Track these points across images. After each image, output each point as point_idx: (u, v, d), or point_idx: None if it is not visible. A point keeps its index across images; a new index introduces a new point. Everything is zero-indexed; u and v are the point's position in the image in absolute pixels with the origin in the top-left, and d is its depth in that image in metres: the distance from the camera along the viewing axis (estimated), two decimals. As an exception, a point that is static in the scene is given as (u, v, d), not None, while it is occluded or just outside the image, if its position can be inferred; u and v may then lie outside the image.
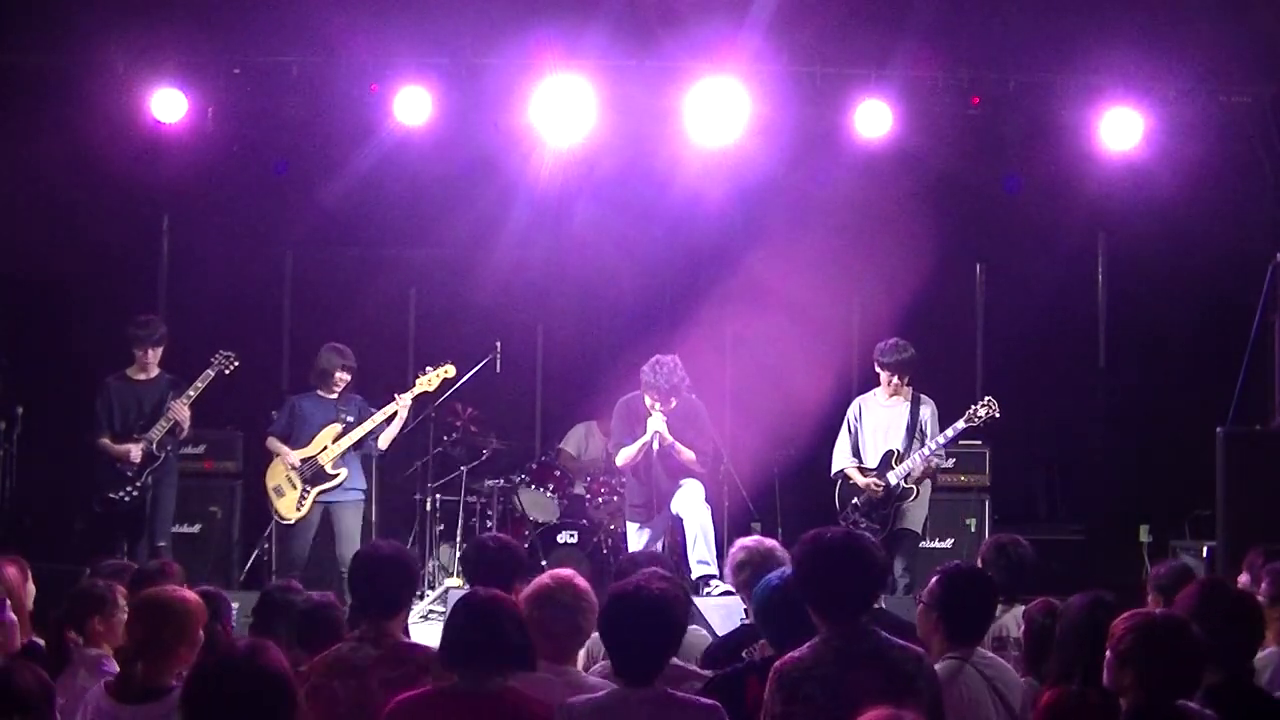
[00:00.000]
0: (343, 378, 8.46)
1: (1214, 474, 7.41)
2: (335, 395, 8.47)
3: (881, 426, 8.30)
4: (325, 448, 8.35)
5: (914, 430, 8.19)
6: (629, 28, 8.88)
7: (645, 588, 3.97)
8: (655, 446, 7.98)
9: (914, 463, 8.11)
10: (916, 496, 8.16)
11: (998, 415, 8.04)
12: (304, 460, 8.35)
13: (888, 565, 5.23)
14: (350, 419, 8.40)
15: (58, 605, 5.38)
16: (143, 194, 9.83)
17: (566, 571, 4.41)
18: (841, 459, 8.37)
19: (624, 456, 8.18)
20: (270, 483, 8.45)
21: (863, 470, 8.27)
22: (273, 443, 8.48)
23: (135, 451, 8.23)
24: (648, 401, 8.00)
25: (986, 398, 8.07)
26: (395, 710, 3.84)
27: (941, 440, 8.10)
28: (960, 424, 8.08)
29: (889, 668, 3.77)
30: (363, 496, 8.57)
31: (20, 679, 3.45)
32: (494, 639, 3.85)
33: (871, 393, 8.47)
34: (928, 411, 8.25)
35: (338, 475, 8.35)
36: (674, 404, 7.97)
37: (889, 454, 8.20)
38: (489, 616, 3.89)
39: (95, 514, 8.40)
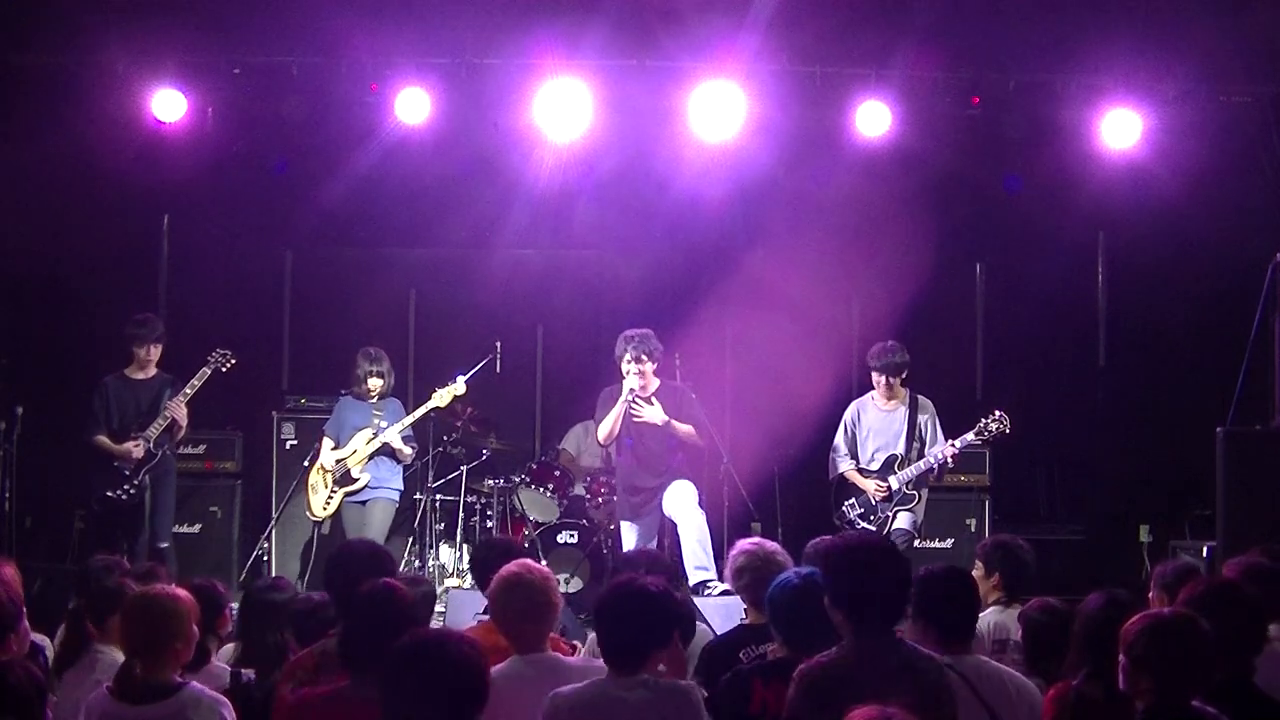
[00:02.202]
0: (373, 384, 8.74)
1: (1214, 474, 7.40)
2: (374, 399, 8.72)
3: (880, 430, 8.33)
4: (355, 451, 8.64)
5: (913, 433, 8.21)
6: (629, 28, 8.88)
7: (637, 580, 4.13)
8: (627, 400, 8.07)
9: (918, 469, 8.12)
10: (918, 501, 8.18)
11: (1008, 431, 8.05)
12: (338, 462, 8.66)
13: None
14: (384, 425, 8.65)
15: (57, 605, 5.39)
16: (143, 194, 9.82)
17: (517, 564, 4.44)
18: (841, 461, 8.40)
19: (604, 427, 8.26)
20: (310, 479, 8.82)
21: (864, 473, 8.29)
22: (324, 441, 8.83)
23: (135, 450, 8.26)
24: (624, 368, 8.10)
25: (998, 412, 8.06)
26: (297, 705, 3.93)
27: (949, 450, 8.10)
28: (969, 435, 8.10)
29: (920, 679, 3.71)
30: (394, 495, 8.81)
31: (13, 678, 3.45)
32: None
33: (869, 395, 8.50)
34: (926, 413, 8.27)
35: (361, 479, 8.62)
36: (650, 366, 8.08)
37: (891, 458, 8.22)
38: (390, 614, 3.99)
39: (95, 513, 8.43)
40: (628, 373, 8.13)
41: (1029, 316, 10.46)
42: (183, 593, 4.25)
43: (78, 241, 9.64)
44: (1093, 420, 10.55)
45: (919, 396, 8.34)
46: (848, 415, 8.49)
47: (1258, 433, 7.80)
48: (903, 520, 8.17)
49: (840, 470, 8.40)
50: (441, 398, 8.74)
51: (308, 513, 8.82)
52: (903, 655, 3.76)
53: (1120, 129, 9.11)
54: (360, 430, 8.69)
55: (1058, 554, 9.30)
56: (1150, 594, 5.21)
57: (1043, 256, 10.24)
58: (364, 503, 8.68)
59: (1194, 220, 9.34)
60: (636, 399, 8.16)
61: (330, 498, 8.66)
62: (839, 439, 8.46)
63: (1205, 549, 7.83)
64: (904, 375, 8.34)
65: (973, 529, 9.42)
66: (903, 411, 8.28)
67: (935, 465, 8.17)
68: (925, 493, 8.30)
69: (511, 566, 4.40)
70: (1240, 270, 8.84)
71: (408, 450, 8.78)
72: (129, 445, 8.29)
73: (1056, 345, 10.67)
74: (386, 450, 8.69)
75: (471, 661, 3.33)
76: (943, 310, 10.54)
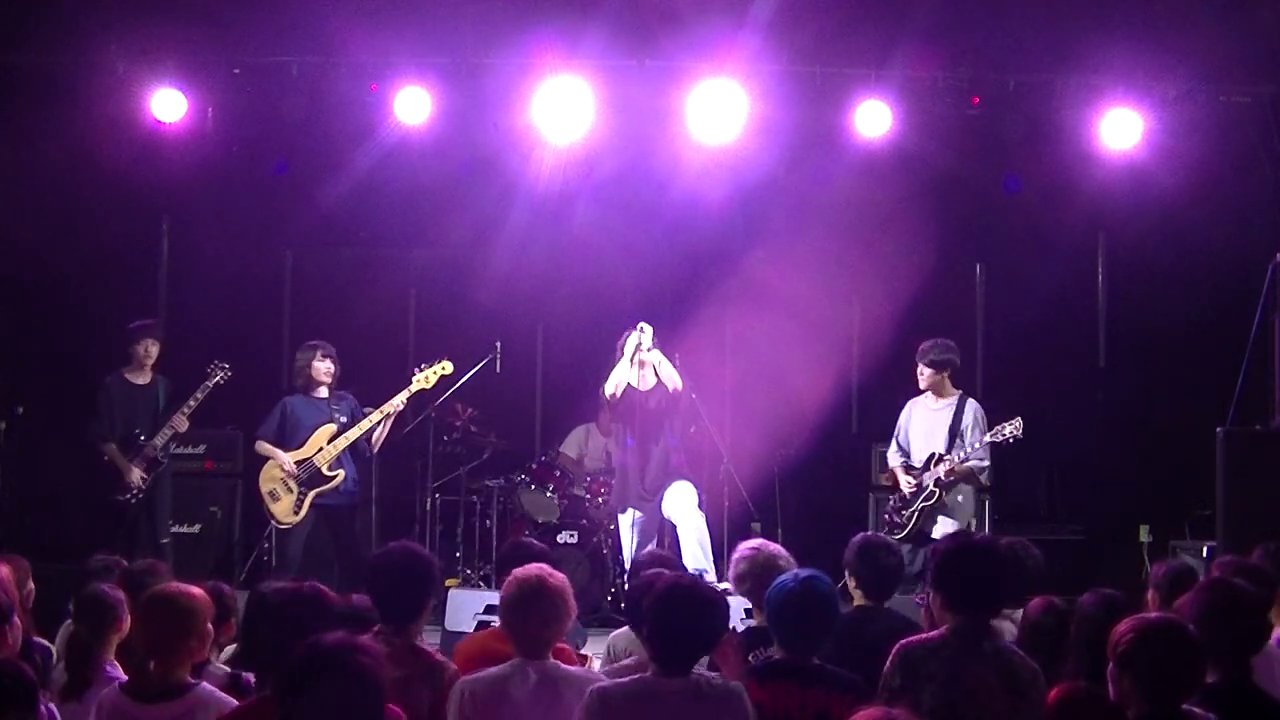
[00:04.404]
0: (323, 368, 8.36)
1: (1214, 474, 7.40)
2: (325, 395, 8.42)
3: (926, 429, 8.28)
4: (321, 449, 8.24)
5: (955, 432, 8.13)
6: (629, 28, 8.87)
7: (698, 583, 4.15)
8: (638, 351, 8.18)
9: (944, 467, 8.08)
10: (936, 499, 8.09)
11: (1021, 438, 8.01)
12: (299, 463, 8.25)
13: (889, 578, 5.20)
14: (344, 419, 8.33)
15: (59, 606, 5.38)
16: (143, 194, 9.83)
17: (535, 568, 4.38)
18: (890, 458, 8.42)
19: (611, 381, 8.25)
20: (264, 486, 8.31)
21: (909, 469, 8.26)
22: (264, 446, 8.32)
23: (136, 476, 8.39)
24: (630, 339, 8.23)
25: (1016, 419, 7.98)
26: None
27: (969, 450, 8.04)
28: (986, 438, 8.05)
29: (1009, 669, 3.91)
30: (358, 497, 8.57)
31: (5, 678, 3.44)
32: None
33: (924, 395, 8.43)
34: (970, 415, 8.18)
35: (335, 477, 8.26)
36: (651, 342, 8.18)
37: (931, 456, 8.19)
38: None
39: (96, 511, 8.49)
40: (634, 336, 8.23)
41: (1029, 316, 10.45)
42: (198, 591, 4.22)
43: (78, 242, 9.65)
44: (1093, 420, 10.55)
45: (969, 399, 8.28)
46: (902, 415, 8.47)
47: (1258, 433, 7.80)
48: (929, 523, 8.06)
49: (890, 465, 8.43)
50: (426, 379, 8.38)
51: (274, 521, 8.31)
52: (995, 645, 3.99)
53: (1120, 129, 9.10)
54: (321, 427, 8.30)
55: (1058, 554, 9.27)
56: (1148, 594, 5.22)
57: (1043, 256, 10.24)
58: (332, 506, 8.31)
59: (1194, 220, 9.33)
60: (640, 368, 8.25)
61: (300, 500, 8.21)
62: (893, 439, 8.47)
63: (1205, 549, 7.83)
64: (945, 372, 8.25)
65: (972, 529, 9.39)
66: (950, 410, 8.23)
67: (960, 463, 8.05)
68: (964, 495, 8.14)
69: (530, 570, 4.33)
70: (1240, 270, 8.84)
71: (375, 445, 8.43)
72: (134, 469, 8.39)
73: (1056, 345, 10.66)
74: (350, 447, 8.32)
75: (371, 672, 3.18)
76: (943, 310, 10.53)
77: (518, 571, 4.35)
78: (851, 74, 9.15)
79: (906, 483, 8.21)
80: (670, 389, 8.28)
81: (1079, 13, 8.87)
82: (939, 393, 8.31)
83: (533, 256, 10.48)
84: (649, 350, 8.23)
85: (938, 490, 8.11)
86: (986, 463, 8.11)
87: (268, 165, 9.77)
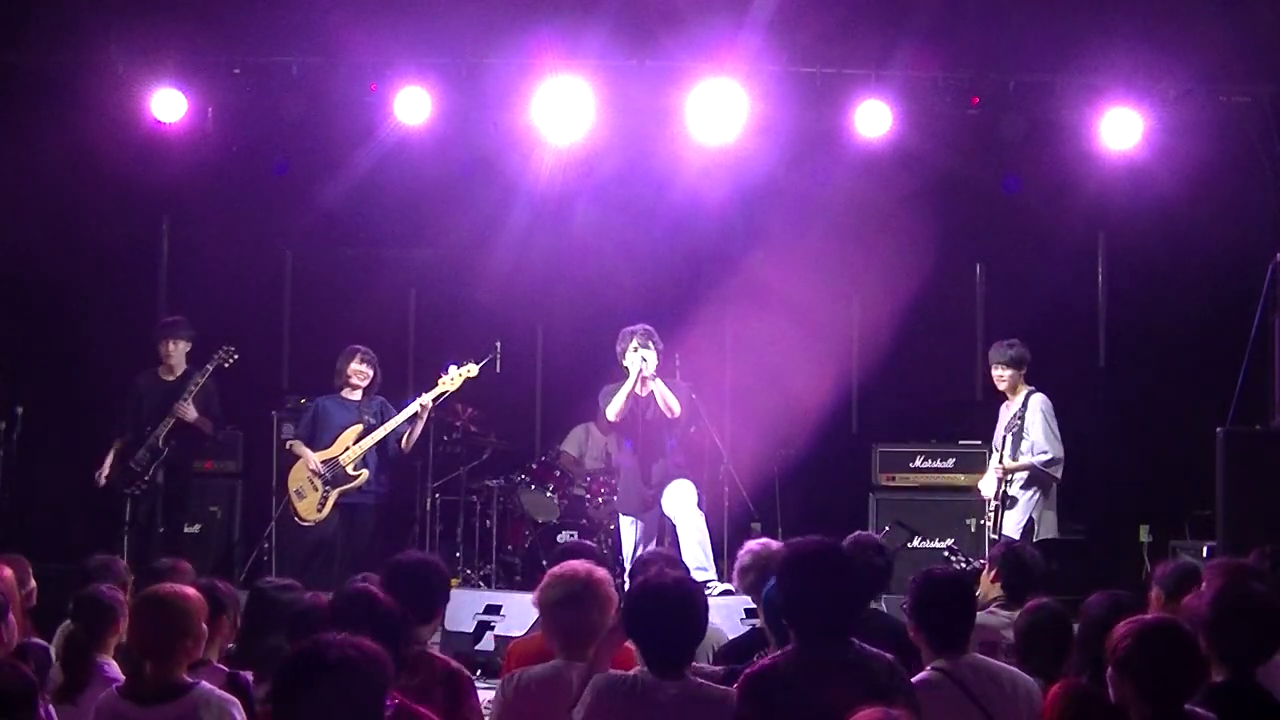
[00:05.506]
0: (360, 370, 8.53)
1: (1214, 474, 7.40)
2: (358, 397, 8.56)
3: (1003, 427, 8.18)
4: (347, 448, 8.43)
5: (1013, 430, 7.99)
6: (629, 28, 8.88)
7: (666, 580, 4.05)
8: (642, 376, 8.18)
9: (996, 467, 8.02)
10: (1000, 498, 7.98)
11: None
12: (325, 462, 8.42)
13: (874, 579, 5.11)
14: (372, 420, 8.48)
15: (59, 606, 5.39)
16: (143, 194, 9.83)
17: (582, 566, 4.38)
18: (990, 462, 8.31)
19: (614, 406, 8.26)
20: (292, 485, 8.52)
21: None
22: (296, 445, 8.57)
23: (101, 477, 8.47)
24: (629, 354, 8.22)
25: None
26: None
27: (1028, 446, 7.93)
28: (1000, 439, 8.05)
29: (867, 677, 3.68)
30: (382, 497, 8.64)
31: (4, 679, 3.44)
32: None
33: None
34: (1030, 413, 8.01)
35: (359, 476, 8.41)
36: (654, 355, 8.20)
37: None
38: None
39: (96, 511, 8.52)
40: (634, 351, 8.21)
41: (1029, 316, 10.42)
42: (191, 591, 4.22)
43: (78, 241, 9.65)
44: (1093, 420, 10.54)
45: (1035, 394, 8.10)
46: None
47: (1258, 433, 7.81)
48: (1008, 524, 7.96)
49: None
50: (453, 381, 8.56)
51: (298, 518, 8.47)
52: (851, 654, 3.75)
53: (1120, 129, 9.09)
54: (348, 428, 8.47)
55: (1058, 554, 9.27)
56: (1150, 594, 5.22)
57: (1043, 256, 10.23)
58: (356, 505, 8.47)
59: (1194, 220, 9.32)
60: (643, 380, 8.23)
61: (324, 499, 8.38)
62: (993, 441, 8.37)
63: (1205, 549, 7.82)
64: (1013, 370, 8.12)
65: (973, 529, 9.38)
66: (1016, 409, 8.08)
67: (1031, 456, 7.96)
68: (1030, 495, 8.01)
69: (568, 577, 4.31)
70: (1240, 270, 8.84)
71: (406, 446, 8.58)
72: (111, 462, 8.46)
73: (1056, 345, 10.63)
74: (376, 449, 8.47)
75: (371, 672, 3.10)
76: (943, 310, 10.54)
77: (560, 569, 4.34)
78: (851, 74, 9.15)
79: (979, 487, 8.15)
80: (669, 416, 8.27)
81: (1079, 13, 8.88)
82: (1013, 391, 8.16)
83: (533, 256, 10.48)
84: (651, 377, 8.24)
85: (999, 489, 7.99)
86: (1049, 455, 7.91)
87: (268, 165, 9.76)
